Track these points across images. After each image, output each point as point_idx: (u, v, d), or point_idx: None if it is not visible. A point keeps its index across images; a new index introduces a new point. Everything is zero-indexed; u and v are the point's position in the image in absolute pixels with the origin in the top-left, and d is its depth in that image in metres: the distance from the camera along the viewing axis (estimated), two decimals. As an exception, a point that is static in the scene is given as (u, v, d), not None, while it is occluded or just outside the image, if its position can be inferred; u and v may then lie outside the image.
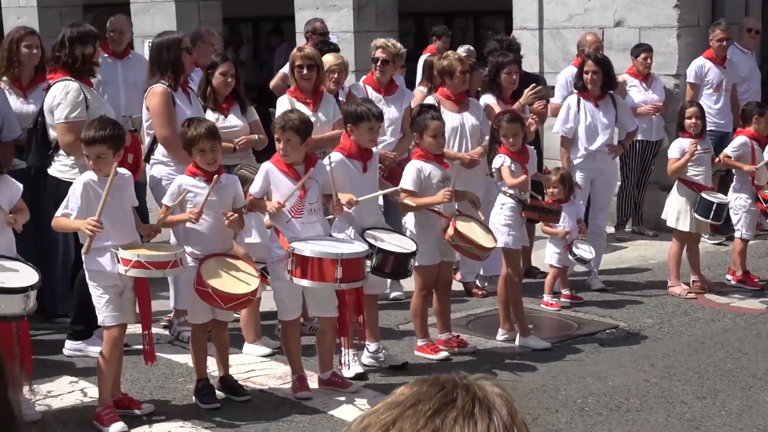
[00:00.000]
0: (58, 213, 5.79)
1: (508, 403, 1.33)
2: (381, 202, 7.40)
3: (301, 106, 7.39)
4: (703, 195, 8.26)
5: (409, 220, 6.88)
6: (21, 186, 5.90)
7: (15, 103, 7.43)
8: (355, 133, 6.50)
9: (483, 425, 1.28)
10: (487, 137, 7.71)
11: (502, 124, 7.30)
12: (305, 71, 7.61)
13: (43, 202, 6.75)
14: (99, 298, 5.76)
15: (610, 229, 10.21)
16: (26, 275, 5.56)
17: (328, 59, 8.09)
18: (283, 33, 19.05)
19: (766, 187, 8.62)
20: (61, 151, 6.87)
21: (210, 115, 7.28)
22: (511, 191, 7.26)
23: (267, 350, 7.01)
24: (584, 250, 8.08)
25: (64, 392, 6.37)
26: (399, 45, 8.59)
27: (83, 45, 6.92)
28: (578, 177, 8.65)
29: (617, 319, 7.89)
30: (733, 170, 8.85)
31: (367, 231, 6.42)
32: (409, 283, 7.88)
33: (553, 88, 10.07)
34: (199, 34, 8.91)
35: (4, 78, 7.54)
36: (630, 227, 10.75)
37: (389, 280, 7.58)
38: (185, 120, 6.37)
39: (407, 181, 6.74)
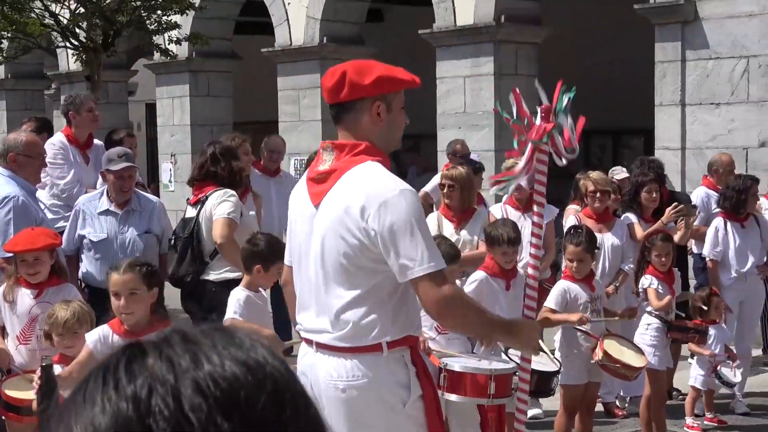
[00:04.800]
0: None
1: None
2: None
3: (447, 224, 7.60)
4: None
5: (557, 339, 6.93)
6: None
7: None
8: (492, 254, 6.63)
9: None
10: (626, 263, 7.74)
11: (656, 244, 7.34)
12: (446, 190, 7.81)
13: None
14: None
15: (757, 352, 9.99)
16: None
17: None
18: (419, 151, 19.49)
19: None
20: (218, 259, 6.94)
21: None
22: (657, 311, 7.24)
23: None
24: (731, 374, 7.93)
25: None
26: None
27: (235, 159, 7.17)
28: (728, 300, 8.48)
29: (765, 445, 7.70)
30: None
31: (510, 350, 6.48)
32: (548, 402, 7.87)
33: (695, 207, 10.03)
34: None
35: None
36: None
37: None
38: None
39: (551, 300, 6.81)
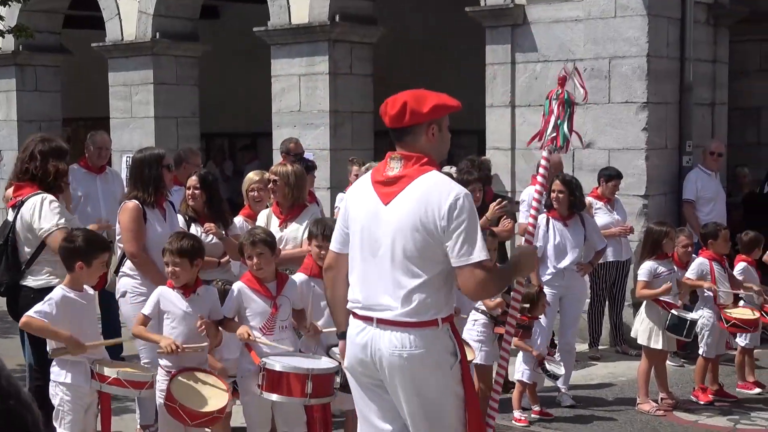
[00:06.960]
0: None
1: None
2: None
3: (275, 220, 7.57)
4: (674, 312, 8.38)
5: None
6: None
7: None
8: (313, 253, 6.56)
9: None
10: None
11: (485, 239, 7.45)
12: (270, 185, 7.81)
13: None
14: (66, 413, 5.79)
15: (582, 347, 10.29)
16: None
17: (249, 177, 8.36)
18: (256, 149, 19.36)
19: (730, 306, 8.80)
20: (35, 265, 6.73)
21: (194, 230, 7.40)
22: (483, 307, 7.35)
23: (237, 465, 6.97)
24: (555, 367, 8.13)
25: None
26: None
27: (57, 160, 6.78)
28: (547, 294, 8.71)
29: (587, 436, 7.91)
30: (697, 290, 9.02)
31: (332, 349, 6.44)
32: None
33: (518, 203, 10.27)
34: (184, 156, 9.07)
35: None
36: (611, 347, 10.82)
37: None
38: (174, 233, 6.49)
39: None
